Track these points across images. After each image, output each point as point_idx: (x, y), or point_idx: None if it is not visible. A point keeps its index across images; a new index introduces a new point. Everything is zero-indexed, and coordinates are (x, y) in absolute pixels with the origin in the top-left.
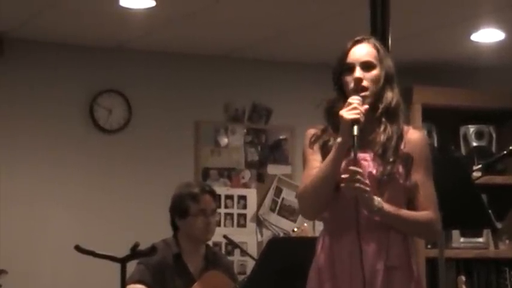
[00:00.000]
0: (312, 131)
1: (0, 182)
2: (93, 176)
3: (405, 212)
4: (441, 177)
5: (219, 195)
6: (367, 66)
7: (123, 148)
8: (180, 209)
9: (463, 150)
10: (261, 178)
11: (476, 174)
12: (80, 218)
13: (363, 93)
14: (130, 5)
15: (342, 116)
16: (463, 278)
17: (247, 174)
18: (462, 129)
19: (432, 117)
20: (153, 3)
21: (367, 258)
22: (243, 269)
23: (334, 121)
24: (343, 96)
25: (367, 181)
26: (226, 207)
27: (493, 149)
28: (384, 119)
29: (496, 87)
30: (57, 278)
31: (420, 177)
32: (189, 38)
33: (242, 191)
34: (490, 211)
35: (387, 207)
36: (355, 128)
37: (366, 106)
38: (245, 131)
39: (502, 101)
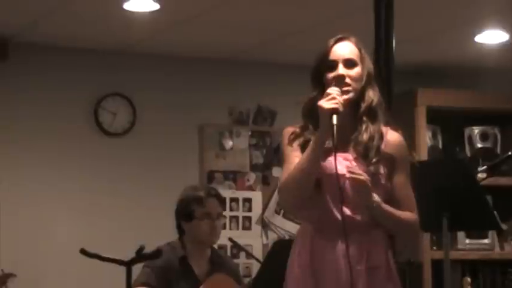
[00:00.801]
0: (290, 130)
1: (5, 185)
2: (98, 180)
3: (397, 211)
4: (446, 178)
5: (224, 198)
6: (349, 64)
7: (128, 151)
8: (185, 212)
9: (467, 152)
10: (265, 180)
11: (481, 175)
12: (85, 221)
13: (345, 88)
14: (134, 8)
15: (320, 106)
16: (469, 279)
17: (252, 177)
18: (467, 131)
19: (437, 119)
20: (157, 6)
21: (351, 258)
22: (248, 272)
23: (314, 119)
24: (322, 95)
25: (367, 176)
26: (231, 210)
27: (498, 150)
28: (365, 118)
29: (501, 88)
30: (62, 281)
31: (401, 179)
32: (193, 41)
33: (247, 194)
34: (495, 212)
35: (384, 204)
36: (334, 117)
37: (345, 96)
38: (250, 133)
39: (506, 102)
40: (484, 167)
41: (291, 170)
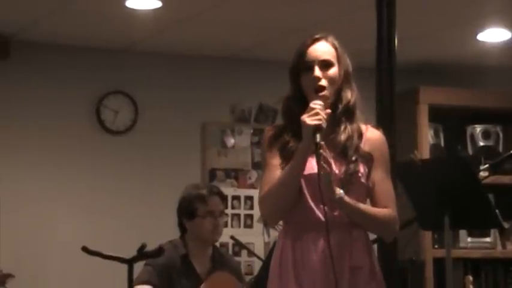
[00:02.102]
0: (270, 132)
1: (6, 183)
2: (100, 178)
3: (365, 206)
4: (448, 177)
5: (226, 196)
6: (325, 65)
7: (130, 149)
8: (187, 210)
9: (470, 150)
10: None
11: (483, 174)
12: (86, 219)
13: (321, 93)
14: (136, 6)
15: (303, 122)
16: (471, 278)
17: (254, 175)
18: (469, 129)
19: (439, 117)
20: (159, 4)
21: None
22: (250, 270)
23: (292, 122)
24: (300, 95)
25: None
26: (233, 208)
27: (500, 148)
28: (343, 119)
29: (503, 86)
30: (64, 279)
31: (379, 175)
32: (195, 39)
33: (249, 192)
34: (497, 211)
35: (347, 198)
36: (318, 135)
37: (329, 110)
38: (251, 131)
39: (508, 100)
40: (486, 166)
41: (272, 182)
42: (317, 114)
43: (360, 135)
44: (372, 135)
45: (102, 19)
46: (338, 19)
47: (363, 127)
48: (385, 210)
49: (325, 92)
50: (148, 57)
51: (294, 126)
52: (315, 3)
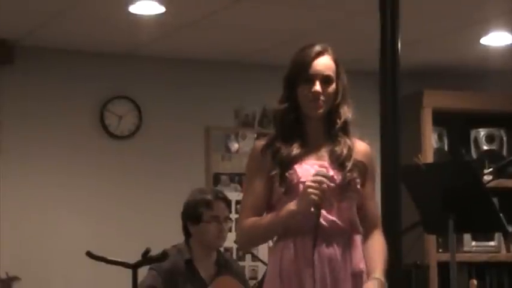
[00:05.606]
0: (260, 144)
1: (11, 188)
2: (104, 182)
3: (383, 262)
4: (452, 181)
5: (230, 201)
6: (326, 81)
7: (134, 154)
8: (193, 215)
9: (473, 154)
10: None
11: (487, 177)
12: (91, 224)
13: (319, 111)
14: (140, 11)
15: (305, 188)
16: (475, 281)
17: None
18: (473, 133)
19: (443, 120)
20: (163, 9)
21: (335, 263)
22: (254, 274)
23: (284, 129)
24: (294, 105)
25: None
26: (237, 212)
27: (504, 152)
28: (340, 133)
29: (507, 90)
30: (68, 284)
31: (369, 189)
32: (198, 44)
33: None
34: (501, 215)
35: (380, 275)
36: (316, 210)
37: (332, 184)
38: (255, 136)
39: None
40: (490, 169)
41: (253, 208)
42: (322, 190)
43: (353, 146)
44: (360, 147)
45: (106, 24)
46: (341, 24)
47: (352, 139)
48: (382, 241)
49: (321, 111)
50: (152, 62)
51: (286, 134)
52: (318, 8)
